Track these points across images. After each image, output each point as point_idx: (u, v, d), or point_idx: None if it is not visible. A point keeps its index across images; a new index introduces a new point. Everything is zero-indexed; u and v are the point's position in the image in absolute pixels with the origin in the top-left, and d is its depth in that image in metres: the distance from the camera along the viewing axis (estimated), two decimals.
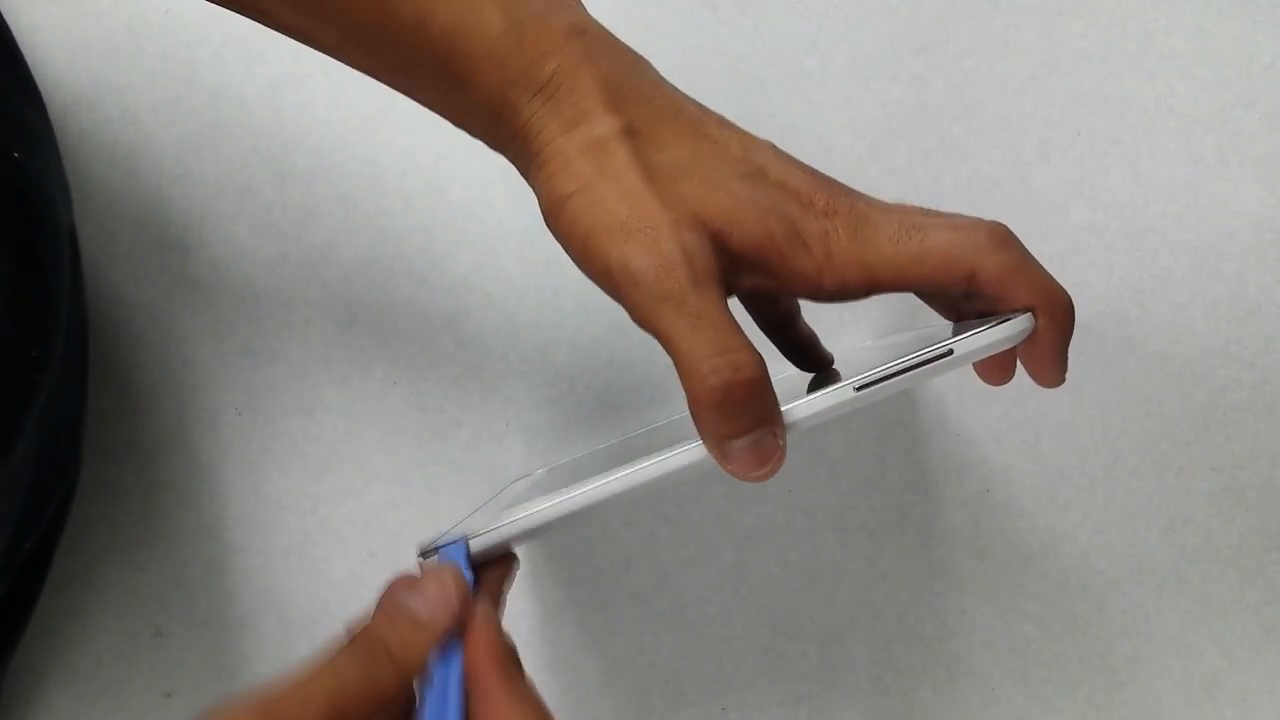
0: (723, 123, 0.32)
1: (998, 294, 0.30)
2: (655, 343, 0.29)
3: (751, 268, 0.30)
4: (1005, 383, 0.34)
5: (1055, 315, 0.30)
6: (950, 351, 0.29)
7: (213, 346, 0.48)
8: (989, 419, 0.50)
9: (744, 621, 0.50)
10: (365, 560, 0.48)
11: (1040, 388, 0.32)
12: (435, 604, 0.27)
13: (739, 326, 0.29)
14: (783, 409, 0.29)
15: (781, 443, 0.28)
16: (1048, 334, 0.30)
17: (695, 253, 0.29)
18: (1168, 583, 0.50)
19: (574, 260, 0.30)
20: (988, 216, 0.51)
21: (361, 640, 0.26)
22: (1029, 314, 0.30)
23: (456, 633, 0.27)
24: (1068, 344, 0.31)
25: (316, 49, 0.32)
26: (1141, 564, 0.50)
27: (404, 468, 0.48)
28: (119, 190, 0.48)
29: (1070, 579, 0.50)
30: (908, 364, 0.29)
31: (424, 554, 0.30)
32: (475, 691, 0.26)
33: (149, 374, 0.48)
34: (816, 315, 0.40)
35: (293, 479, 0.48)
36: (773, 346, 0.39)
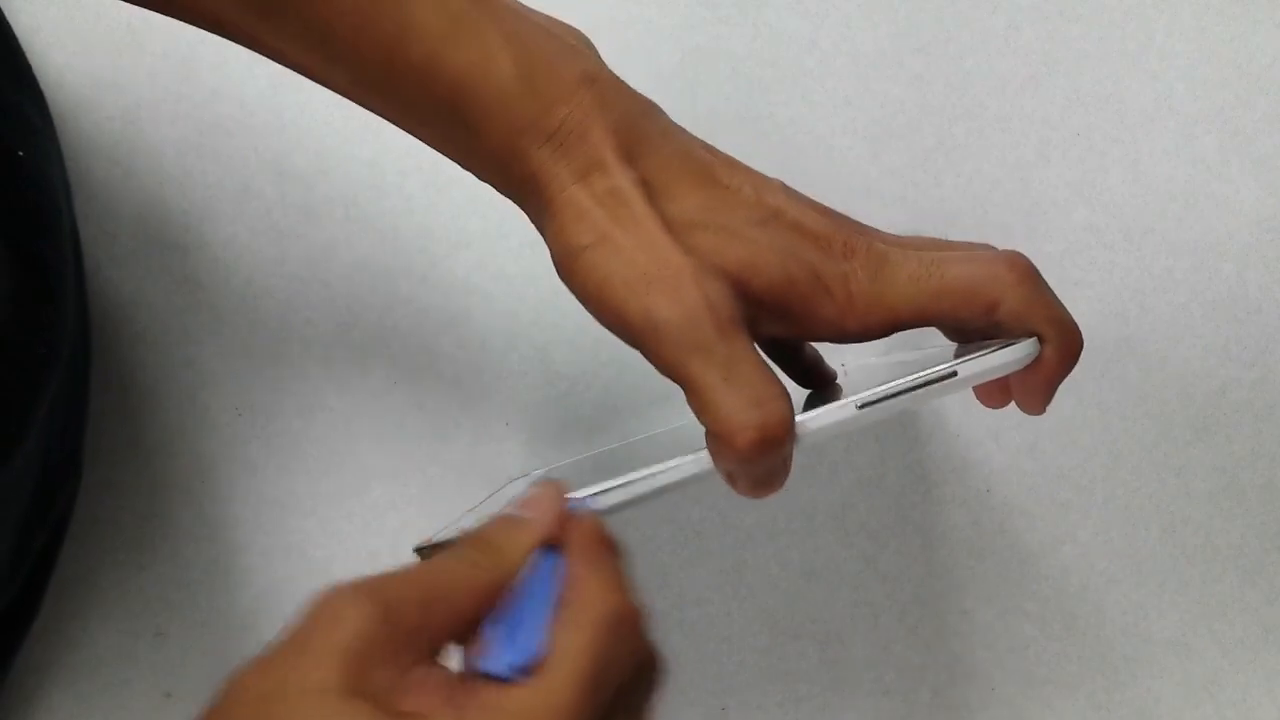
0: (732, 165, 0.32)
1: (1018, 326, 0.31)
2: None
3: (773, 315, 0.30)
4: (1004, 405, 0.34)
5: (1066, 350, 0.31)
6: (954, 373, 0.29)
7: (213, 346, 0.48)
8: (989, 419, 0.50)
9: (744, 621, 0.50)
10: (366, 560, 0.48)
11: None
12: (536, 507, 0.27)
13: (769, 369, 0.29)
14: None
15: (790, 465, 0.29)
16: (1051, 365, 0.31)
17: (719, 300, 0.28)
18: (1168, 583, 0.50)
19: (591, 311, 0.30)
20: (988, 217, 0.51)
21: (466, 538, 0.27)
22: (1034, 339, 0.30)
23: (558, 536, 0.27)
24: (1065, 378, 0.31)
25: (330, 89, 0.32)
26: (1141, 564, 0.50)
27: (404, 468, 0.48)
28: (119, 190, 0.48)
29: (1070, 579, 0.50)
30: (910, 384, 0.29)
31: (419, 551, 0.29)
32: (568, 573, 0.26)
33: (149, 374, 0.48)
34: None
35: (293, 479, 0.48)
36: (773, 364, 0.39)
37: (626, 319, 0.29)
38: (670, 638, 0.50)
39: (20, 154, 0.39)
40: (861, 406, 0.29)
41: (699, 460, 0.29)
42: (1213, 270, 0.50)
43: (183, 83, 0.48)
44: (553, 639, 0.24)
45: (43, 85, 0.45)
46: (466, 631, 0.25)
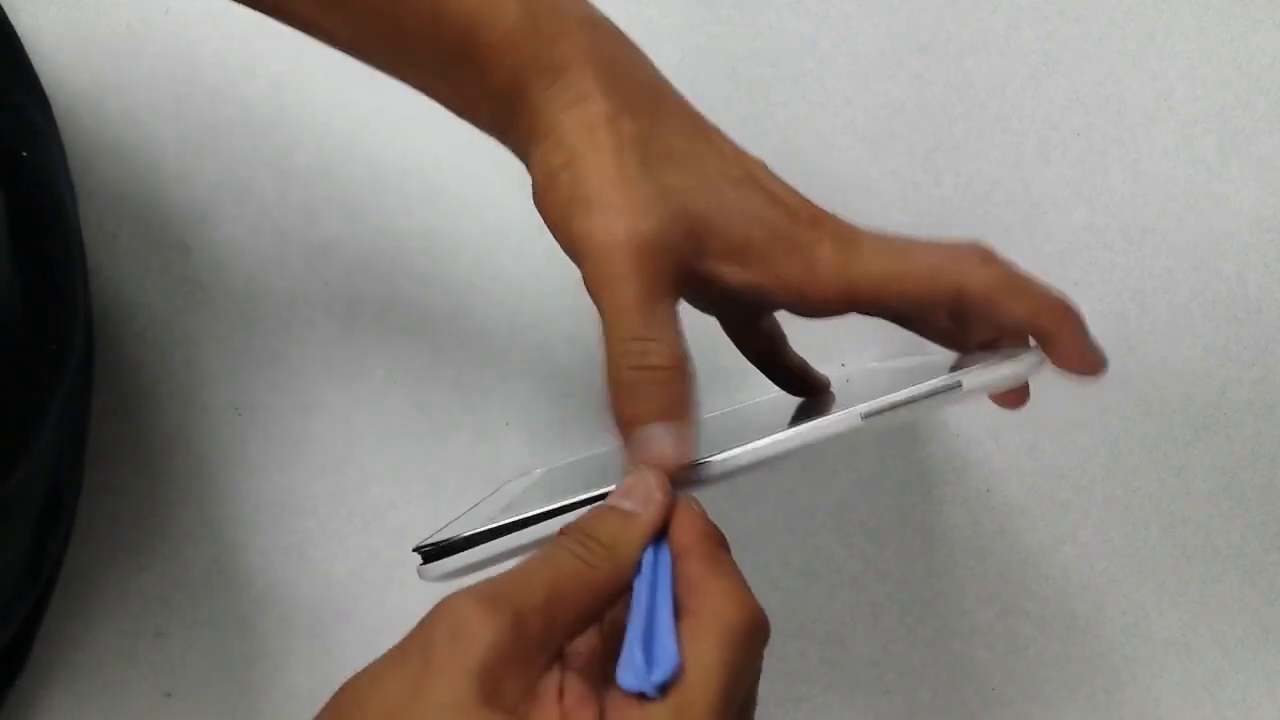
0: (720, 132, 0.33)
1: (988, 310, 0.30)
2: None
3: (737, 260, 0.30)
4: (1021, 406, 0.34)
5: (1060, 323, 0.30)
6: (958, 384, 0.29)
7: (213, 346, 0.48)
8: (989, 419, 0.50)
9: None
10: (365, 560, 0.48)
11: (1073, 380, 0.32)
12: (640, 498, 0.27)
13: (671, 322, 0.29)
14: (789, 432, 0.29)
15: (683, 445, 0.28)
16: (1065, 340, 0.30)
17: (653, 240, 0.29)
18: (1168, 583, 0.50)
19: (551, 230, 0.31)
20: (988, 217, 0.51)
21: (572, 532, 0.27)
22: (1037, 351, 0.30)
23: (663, 526, 0.27)
24: (1087, 337, 0.31)
25: (328, 42, 0.33)
26: (1141, 564, 0.50)
27: (404, 467, 0.48)
28: (120, 190, 0.48)
29: (1070, 579, 0.50)
30: (915, 395, 0.29)
31: (419, 551, 0.30)
32: (682, 572, 0.26)
33: (150, 373, 0.48)
34: (826, 333, 0.40)
35: (293, 478, 0.48)
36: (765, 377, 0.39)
37: (570, 236, 0.29)
38: None
39: (24, 155, 0.39)
40: (866, 416, 0.29)
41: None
42: (1213, 270, 0.50)
43: (183, 83, 0.48)
44: (683, 649, 0.24)
45: (44, 86, 0.45)
46: (583, 630, 0.25)
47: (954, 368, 0.31)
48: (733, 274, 0.31)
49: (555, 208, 0.30)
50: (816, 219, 0.31)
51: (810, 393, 0.39)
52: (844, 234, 0.31)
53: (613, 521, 0.27)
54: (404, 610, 0.51)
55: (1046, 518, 0.50)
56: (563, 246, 0.30)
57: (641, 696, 0.23)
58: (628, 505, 0.27)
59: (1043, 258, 0.50)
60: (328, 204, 0.48)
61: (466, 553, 0.29)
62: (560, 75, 0.30)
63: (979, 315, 0.31)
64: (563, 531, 0.27)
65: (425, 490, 0.49)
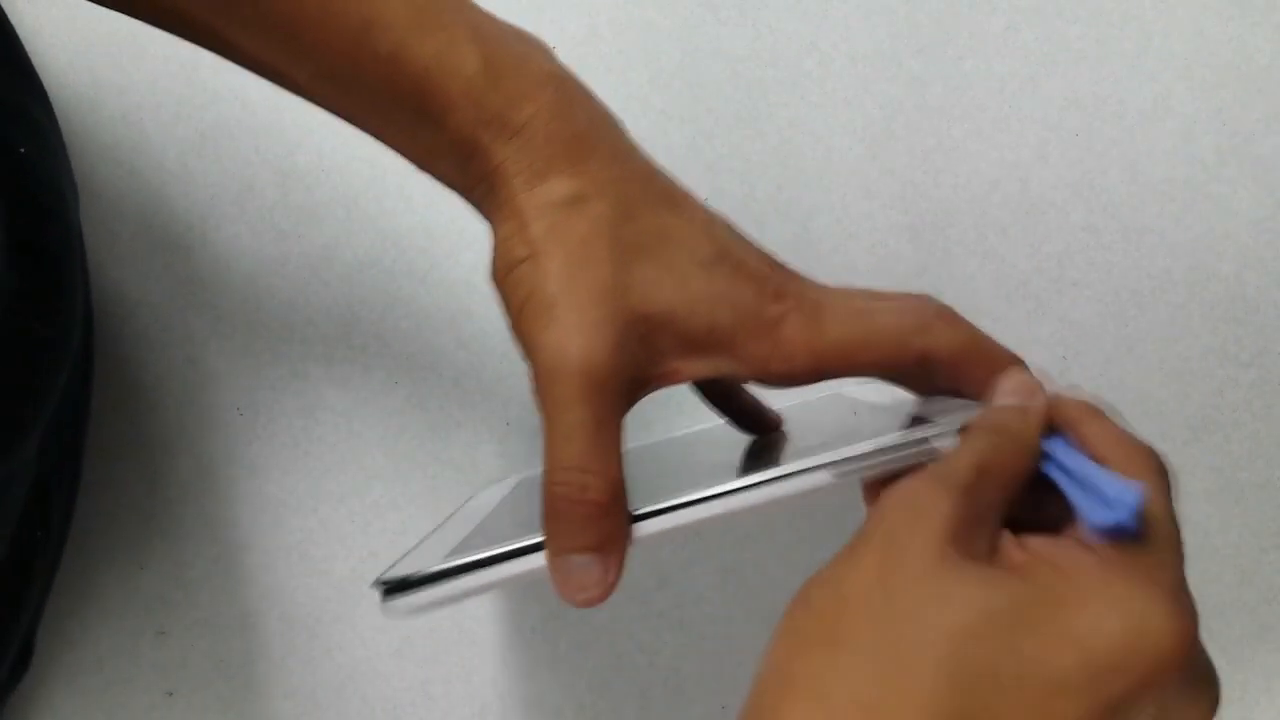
0: (686, 195, 0.32)
1: (953, 373, 0.31)
2: None
3: (698, 352, 0.30)
4: None
5: (1014, 379, 0.31)
6: (932, 449, 0.29)
7: (214, 346, 0.48)
8: None
9: (744, 621, 0.50)
10: (366, 560, 0.48)
11: None
12: (1025, 393, 0.30)
13: (614, 448, 0.28)
14: (759, 479, 0.29)
15: (610, 577, 0.28)
16: (1020, 391, 0.31)
17: (603, 360, 0.28)
18: None
19: (509, 324, 0.30)
20: (986, 217, 0.51)
21: (983, 427, 0.29)
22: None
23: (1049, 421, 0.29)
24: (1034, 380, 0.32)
25: (285, 86, 0.32)
26: None
27: (405, 467, 0.48)
28: (121, 190, 0.48)
29: None
30: (889, 449, 0.29)
31: (380, 584, 0.28)
32: (1086, 437, 0.29)
33: (151, 373, 0.48)
34: None
35: (294, 478, 0.48)
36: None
37: (524, 338, 0.29)
38: (670, 637, 0.50)
39: (22, 151, 0.39)
40: (837, 476, 0.29)
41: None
42: (1210, 270, 0.50)
43: (185, 84, 0.48)
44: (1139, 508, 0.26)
45: (45, 86, 0.45)
46: (1006, 509, 0.27)
47: (923, 408, 0.31)
48: (692, 367, 0.30)
49: (513, 299, 0.29)
50: (781, 291, 0.31)
51: (762, 431, 0.38)
52: (809, 303, 0.31)
53: (1010, 415, 0.29)
54: None
55: None
56: (515, 337, 0.30)
57: (1114, 535, 0.26)
58: (1015, 401, 0.29)
59: (1041, 258, 0.50)
60: (329, 204, 0.49)
61: (431, 590, 0.28)
62: (530, 140, 0.30)
63: (943, 376, 0.31)
64: (974, 427, 0.29)
65: (425, 490, 0.49)
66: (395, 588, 0.28)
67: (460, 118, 0.30)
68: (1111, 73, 0.50)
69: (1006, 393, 0.30)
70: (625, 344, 0.29)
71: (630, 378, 0.29)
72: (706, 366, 0.30)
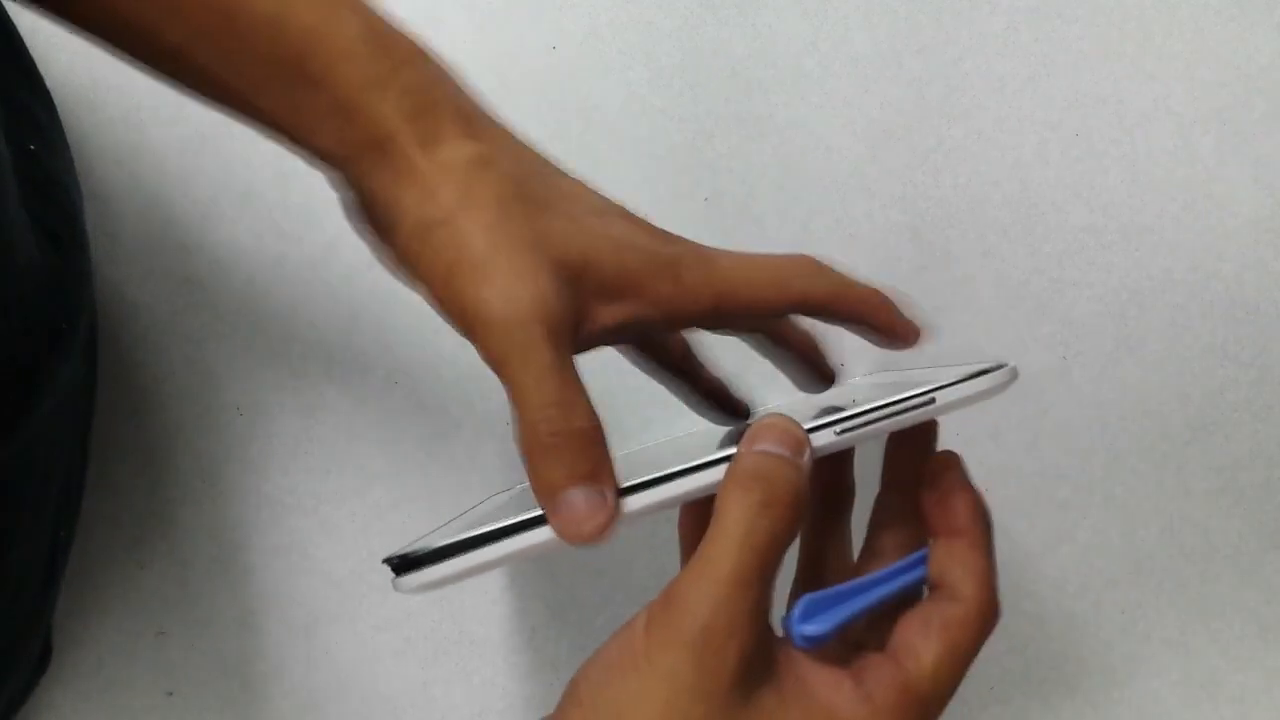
0: (560, 167, 0.33)
1: (828, 309, 0.33)
2: None
3: (613, 297, 0.31)
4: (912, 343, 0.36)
5: (880, 311, 0.34)
6: (932, 400, 0.30)
7: (215, 346, 0.48)
8: (988, 418, 0.50)
9: None
10: (366, 560, 0.48)
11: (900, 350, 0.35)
12: (788, 444, 0.29)
13: (581, 387, 0.29)
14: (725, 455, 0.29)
15: (610, 502, 0.28)
16: (886, 321, 0.34)
17: (552, 304, 0.29)
18: (1166, 582, 0.51)
19: (426, 293, 0.30)
20: (986, 217, 0.51)
21: (747, 487, 0.28)
22: (1010, 367, 0.31)
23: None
24: (899, 314, 0.34)
25: (151, 54, 0.31)
26: (1140, 563, 0.50)
27: (405, 467, 0.48)
28: (121, 191, 0.48)
29: (1069, 578, 0.50)
30: (886, 406, 0.30)
31: (388, 563, 0.29)
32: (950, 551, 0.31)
33: (151, 373, 0.48)
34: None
35: (294, 478, 0.48)
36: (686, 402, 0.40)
37: (462, 306, 0.29)
38: None
39: (31, 148, 0.39)
40: (841, 434, 0.29)
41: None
42: (1210, 270, 0.50)
43: None
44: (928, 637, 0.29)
45: (46, 87, 0.45)
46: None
47: (928, 381, 0.31)
48: (611, 312, 0.31)
49: (437, 263, 0.29)
50: (670, 237, 0.32)
51: (732, 413, 0.39)
52: (698, 249, 0.32)
53: (778, 469, 0.28)
54: (404, 610, 0.51)
55: (1045, 518, 0.50)
56: (449, 312, 0.30)
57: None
58: (775, 449, 0.29)
59: (1041, 258, 0.50)
60: (328, 205, 0.48)
61: (442, 565, 0.28)
62: (415, 105, 0.30)
63: (820, 314, 0.34)
64: (738, 484, 0.28)
65: (425, 490, 0.49)
66: (404, 564, 0.28)
67: (345, 77, 0.29)
68: (1111, 73, 0.50)
69: (767, 439, 0.29)
70: (561, 286, 0.29)
71: (572, 324, 0.30)
72: (623, 310, 0.31)
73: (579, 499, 0.28)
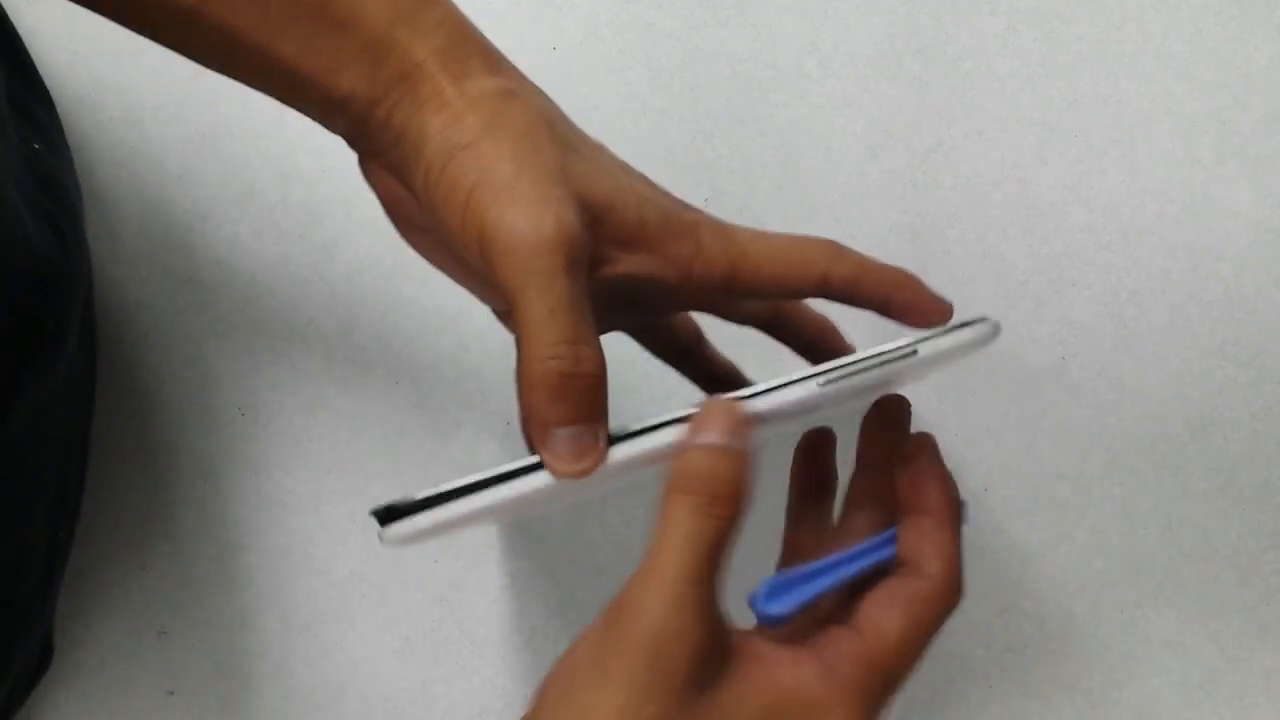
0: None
1: (852, 291, 0.33)
2: None
3: (632, 248, 0.31)
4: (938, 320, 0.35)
5: (909, 290, 0.34)
6: (915, 351, 0.30)
7: (215, 346, 0.48)
8: (988, 418, 0.50)
9: (742, 621, 0.50)
10: (367, 560, 0.48)
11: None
12: (730, 430, 0.29)
13: (593, 322, 0.29)
14: (744, 394, 0.29)
15: (601, 444, 0.28)
16: (920, 302, 0.34)
17: (575, 236, 0.28)
18: (1165, 582, 0.51)
19: (443, 217, 0.29)
20: (986, 218, 0.52)
21: (688, 486, 0.28)
22: (993, 321, 0.32)
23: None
24: (929, 291, 0.34)
25: (162, 12, 0.31)
26: (1139, 563, 0.51)
27: (406, 467, 0.49)
28: (122, 191, 0.48)
29: (1068, 578, 0.51)
30: (869, 357, 0.30)
31: (373, 513, 0.29)
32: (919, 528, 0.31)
33: (152, 374, 0.48)
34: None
35: (295, 478, 0.48)
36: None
37: (482, 228, 0.28)
38: None
39: (36, 147, 0.39)
40: (824, 385, 0.29)
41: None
42: (1210, 271, 0.50)
43: (185, 84, 0.48)
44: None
45: (46, 87, 0.45)
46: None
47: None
48: (628, 261, 0.31)
49: (459, 186, 0.29)
50: (691, 206, 0.32)
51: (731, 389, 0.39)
52: (719, 221, 0.33)
53: (717, 464, 0.28)
54: (404, 610, 0.51)
55: (1044, 517, 0.50)
56: (466, 235, 0.29)
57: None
58: (718, 439, 0.28)
59: (1040, 259, 0.50)
60: (329, 204, 0.49)
61: (428, 514, 0.28)
62: (448, 39, 0.30)
63: (843, 296, 0.33)
64: (682, 484, 0.28)
65: (426, 490, 0.49)
66: (390, 514, 0.28)
67: (371, 17, 0.29)
68: (1111, 73, 0.50)
69: (709, 429, 0.29)
70: (585, 223, 0.29)
71: (590, 263, 0.29)
72: (640, 262, 0.31)
73: (576, 434, 0.28)
